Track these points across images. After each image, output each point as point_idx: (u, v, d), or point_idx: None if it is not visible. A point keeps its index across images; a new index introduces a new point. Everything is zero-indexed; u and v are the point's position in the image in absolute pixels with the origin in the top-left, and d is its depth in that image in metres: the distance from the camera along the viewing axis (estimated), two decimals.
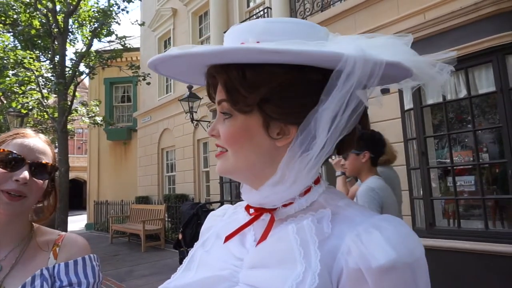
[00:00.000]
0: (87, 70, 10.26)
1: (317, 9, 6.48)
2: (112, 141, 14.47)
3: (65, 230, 7.71)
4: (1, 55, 9.20)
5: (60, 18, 9.58)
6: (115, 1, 10.28)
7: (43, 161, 0.98)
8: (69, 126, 10.10)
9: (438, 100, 4.29)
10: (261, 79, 0.56)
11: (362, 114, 0.58)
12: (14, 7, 9.96)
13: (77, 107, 10.57)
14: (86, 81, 15.08)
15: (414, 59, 0.59)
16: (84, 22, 10.47)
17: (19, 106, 9.12)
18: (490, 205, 4.16)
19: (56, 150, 8.42)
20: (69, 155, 10.06)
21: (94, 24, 10.35)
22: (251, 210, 0.65)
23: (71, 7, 9.39)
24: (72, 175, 18.16)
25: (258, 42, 0.56)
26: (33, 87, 9.34)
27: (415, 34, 3.73)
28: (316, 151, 0.57)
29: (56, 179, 1.10)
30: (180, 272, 0.67)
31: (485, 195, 3.94)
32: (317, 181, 0.62)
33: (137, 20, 11.37)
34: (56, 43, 9.51)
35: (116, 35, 10.52)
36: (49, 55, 9.96)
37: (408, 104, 4.59)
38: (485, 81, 3.96)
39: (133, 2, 10.66)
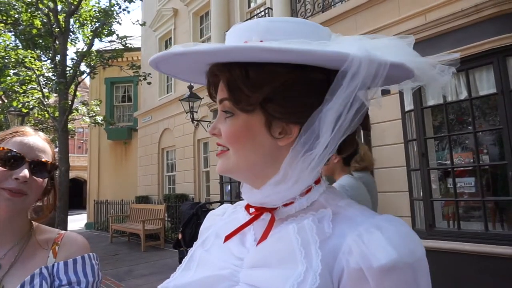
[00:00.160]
0: (88, 70, 10.27)
1: (318, 10, 6.47)
2: (113, 141, 14.47)
3: (65, 229, 7.69)
4: (2, 54, 9.19)
5: (61, 17, 9.58)
6: (116, 1, 10.28)
7: (43, 159, 0.97)
8: (69, 126, 10.08)
9: (439, 102, 4.29)
10: (264, 78, 0.56)
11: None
12: (16, 6, 9.96)
13: (77, 107, 10.56)
14: (87, 80, 15.11)
15: (416, 60, 0.59)
16: (85, 21, 10.46)
17: (20, 105, 9.14)
18: (490, 207, 4.16)
19: (57, 149, 8.43)
20: (69, 155, 10.07)
21: (95, 24, 10.33)
22: (251, 210, 0.65)
23: (72, 6, 9.39)
24: (72, 174, 18.13)
25: (261, 41, 0.56)
26: (34, 86, 9.35)
27: (416, 36, 3.72)
28: (319, 151, 0.57)
29: (56, 178, 1.09)
30: (179, 271, 0.66)
31: (485, 196, 3.94)
32: (317, 181, 0.62)
33: (138, 20, 11.37)
34: (57, 42, 9.51)
35: (117, 35, 10.53)
36: (50, 55, 9.96)
37: (409, 105, 4.59)
38: (485, 83, 3.96)
39: (134, 2, 10.65)
